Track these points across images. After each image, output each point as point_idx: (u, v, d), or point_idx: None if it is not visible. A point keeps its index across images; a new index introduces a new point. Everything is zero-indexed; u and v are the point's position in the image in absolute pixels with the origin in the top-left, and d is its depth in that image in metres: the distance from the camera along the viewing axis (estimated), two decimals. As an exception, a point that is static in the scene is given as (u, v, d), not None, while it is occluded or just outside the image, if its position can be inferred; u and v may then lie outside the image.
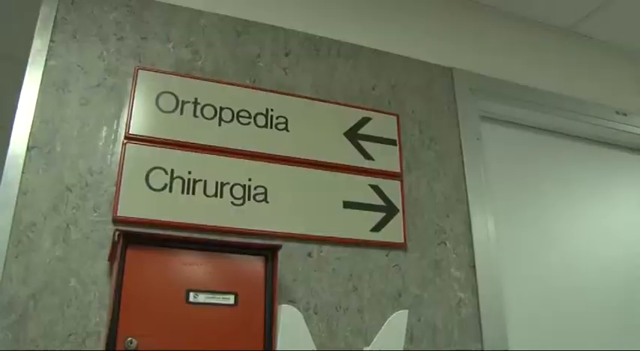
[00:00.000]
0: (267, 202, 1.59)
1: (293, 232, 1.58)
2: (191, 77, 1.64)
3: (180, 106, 1.59)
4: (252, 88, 1.71)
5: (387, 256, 1.69)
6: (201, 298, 1.27)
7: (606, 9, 2.34)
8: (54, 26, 1.54)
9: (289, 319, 1.36)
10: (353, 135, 1.78)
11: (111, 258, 1.36)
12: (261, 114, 1.69)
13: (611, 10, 2.35)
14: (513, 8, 2.33)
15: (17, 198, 1.35)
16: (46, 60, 1.50)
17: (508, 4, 2.30)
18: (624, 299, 2.24)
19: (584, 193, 2.35)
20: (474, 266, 1.80)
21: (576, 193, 2.32)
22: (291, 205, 1.61)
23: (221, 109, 1.64)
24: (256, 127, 1.66)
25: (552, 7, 2.33)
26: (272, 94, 1.73)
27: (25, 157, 1.39)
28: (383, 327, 1.48)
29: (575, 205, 2.30)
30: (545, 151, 2.33)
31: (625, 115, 2.49)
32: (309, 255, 1.59)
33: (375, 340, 1.48)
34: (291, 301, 1.52)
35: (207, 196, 1.53)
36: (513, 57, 2.29)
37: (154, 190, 1.48)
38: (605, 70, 2.55)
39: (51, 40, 1.53)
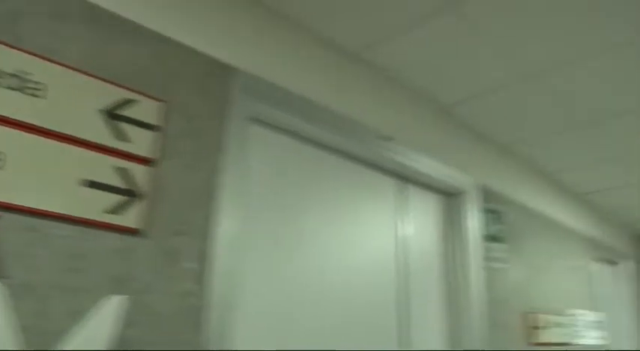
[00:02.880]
0: (2, 170, 1.51)
1: (18, 203, 1.52)
2: None
3: None
4: (12, 46, 1.61)
5: (120, 240, 1.69)
6: None
7: (392, 40, 2.55)
8: None
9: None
10: (112, 114, 1.75)
11: None
12: (16, 76, 1.59)
13: (397, 41, 2.56)
14: (306, 20, 2.43)
15: None
16: None
17: (301, 14, 2.40)
18: (364, 302, 2.49)
19: (337, 206, 2.56)
20: (209, 260, 1.88)
21: (330, 205, 2.52)
22: (26, 176, 1.55)
23: (-42, 62, 1.52)
24: (8, 90, 1.57)
25: (343, 28, 2.47)
26: (34, 57, 1.64)
27: None
28: (93, 310, 1.49)
29: (328, 215, 2.49)
30: (309, 163, 2.48)
31: (390, 140, 2.74)
32: (33, 229, 1.54)
33: (82, 321, 1.48)
34: (3, 277, 1.46)
35: None
36: (294, 66, 2.40)
37: None
38: (380, 94, 2.79)
39: None
